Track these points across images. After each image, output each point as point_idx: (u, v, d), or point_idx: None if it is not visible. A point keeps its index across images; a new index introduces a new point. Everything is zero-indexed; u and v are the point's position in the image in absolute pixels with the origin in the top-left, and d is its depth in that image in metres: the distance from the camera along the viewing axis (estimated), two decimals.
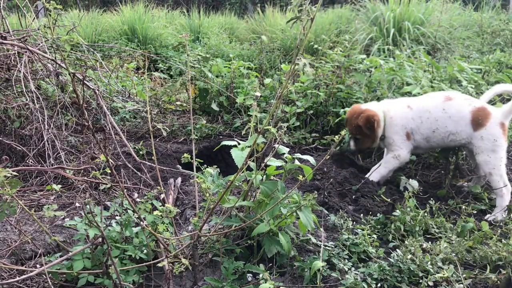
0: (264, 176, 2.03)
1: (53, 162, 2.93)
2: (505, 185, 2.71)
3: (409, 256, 2.02)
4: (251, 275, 1.91)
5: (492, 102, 3.39)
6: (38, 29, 3.49)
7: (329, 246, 2.14)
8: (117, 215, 2.17)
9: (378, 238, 2.30)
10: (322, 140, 3.79)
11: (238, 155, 1.91)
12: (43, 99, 3.26)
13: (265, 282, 1.70)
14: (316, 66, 4.23)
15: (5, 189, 1.69)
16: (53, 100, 3.46)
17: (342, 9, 9.07)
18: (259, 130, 1.79)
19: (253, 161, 1.98)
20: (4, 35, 2.98)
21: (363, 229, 2.28)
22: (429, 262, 2.00)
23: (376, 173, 3.03)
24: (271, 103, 4.16)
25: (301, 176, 1.91)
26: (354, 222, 2.45)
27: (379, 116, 2.99)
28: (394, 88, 3.49)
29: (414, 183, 2.95)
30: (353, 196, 2.83)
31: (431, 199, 2.62)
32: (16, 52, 3.26)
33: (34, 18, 3.79)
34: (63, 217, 2.44)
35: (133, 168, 2.97)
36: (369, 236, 2.23)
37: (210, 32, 8.26)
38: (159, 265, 1.79)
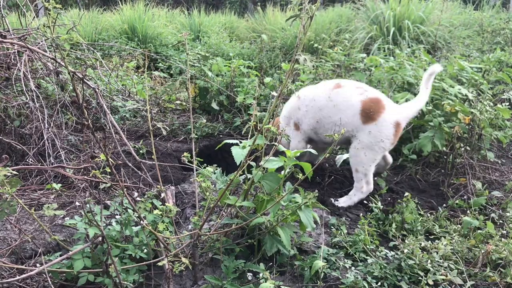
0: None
1: (53, 161, 2.92)
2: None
3: (409, 255, 2.02)
4: (251, 274, 1.91)
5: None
6: (38, 28, 3.49)
7: (329, 245, 2.14)
8: (117, 214, 2.17)
9: (378, 236, 2.29)
10: None
11: (238, 153, 1.90)
12: (43, 98, 3.26)
13: (265, 281, 1.70)
14: (316, 65, 4.22)
15: (5, 188, 1.69)
16: (53, 99, 3.45)
17: (342, 8, 9.06)
18: (259, 129, 1.79)
19: (253, 160, 1.98)
20: (4, 34, 2.97)
21: (363, 228, 2.28)
22: (429, 261, 2.00)
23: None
24: (272, 101, 4.15)
25: (301, 174, 1.91)
26: (354, 221, 2.45)
27: None
28: (395, 87, 3.48)
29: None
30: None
31: (431, 199, 2.62)
32: (16, 51, 3.26)
33: (34, 17, 3.79)
34: (63, 216, 2.44)
35: (133, 167, 2.96)
36: (369, 234, 2.23)
37: (210, 31, 8.25)
38: (159, 264, 1.79)
